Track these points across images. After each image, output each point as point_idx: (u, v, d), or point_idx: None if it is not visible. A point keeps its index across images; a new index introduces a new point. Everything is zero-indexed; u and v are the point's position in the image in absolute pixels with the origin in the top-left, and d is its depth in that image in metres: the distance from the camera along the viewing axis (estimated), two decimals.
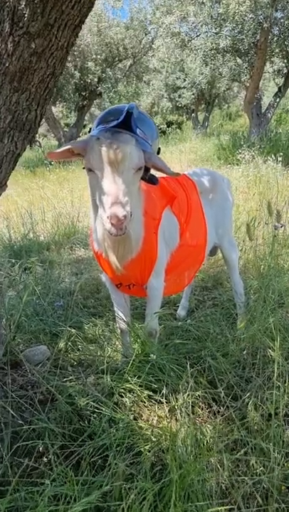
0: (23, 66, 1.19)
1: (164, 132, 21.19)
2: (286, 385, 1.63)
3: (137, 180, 1.49)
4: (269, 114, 9.16)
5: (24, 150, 1.41)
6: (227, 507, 1.21)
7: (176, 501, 1.05)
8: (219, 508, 1.13)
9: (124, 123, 1.40)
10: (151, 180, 1.60)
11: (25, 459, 1.26)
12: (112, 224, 1.36)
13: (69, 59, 11.31)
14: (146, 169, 1.53)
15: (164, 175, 1.62)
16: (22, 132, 1.33)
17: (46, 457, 1.39)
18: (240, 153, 7.24)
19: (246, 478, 1.38)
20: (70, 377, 1.75)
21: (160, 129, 21.92)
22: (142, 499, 1.09)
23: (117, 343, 2.19)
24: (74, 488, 1.09)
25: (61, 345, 2.07)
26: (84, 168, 1.49)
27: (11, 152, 1.35)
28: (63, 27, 1.16)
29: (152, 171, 1.60)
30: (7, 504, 1.15)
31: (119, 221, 1.35)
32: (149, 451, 1.41)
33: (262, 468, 1.44)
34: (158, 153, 1.63)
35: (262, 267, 3.00)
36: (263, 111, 9.32)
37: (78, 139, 1.50)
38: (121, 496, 1.14)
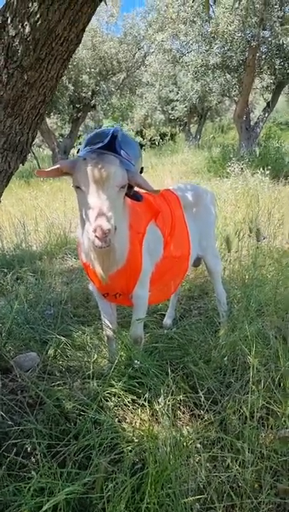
0: (17, 94, 1.31)
1: (157, 144, 21.52)
2: (261, 389, 1.73)
3: (121, 197, 1.61)
4: (258, 129, 9.41)
5: (17, 169, 1.52)
6: (201, 497, 1.30)
7: (152, 491, 1.15)
8: (192, 498, 1.22)
9: (109, 145, 1.53)
10: (136, 197, 1.72)
11: (14, 456, 1.34)
12: (96, 237, 1.47)
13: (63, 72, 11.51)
14: (130, 186, 1.65)
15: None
16: (15, 153, 1.45)
17: (34, 456, 1.47)
18: (229, 166, 7.43)
19: (221, 475, 1.47)
20: (58, 382, 1.84)
21: (154, 140, 22.25)
22: (122, 492, 1.18)
23: (104, 350, 2.29)
24: (58, 482, 1.18)
25: (50, 352, 2.17)
26: (72, 186, 1.61)
27: (5, 171, 1.46)
28: (53, 61, 1.28)
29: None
30: None
31: (104, 234, 1.47)
32: (131, 451, 1.50)
33: (237, 467, 1.53)
34: (141, 172, 1.76)
35: (246, 277, 3.12)
36: (252, 125, 9.57)
37: (66, 160, 1.62)
38: (102, 489, 1.23)
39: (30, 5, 1.18)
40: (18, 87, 1.29)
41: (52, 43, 1.24)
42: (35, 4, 1.17)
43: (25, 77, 1.28)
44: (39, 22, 1.18)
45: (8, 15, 1.22)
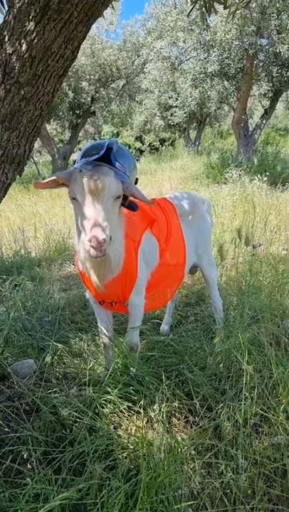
0: (14, 109, 1.35)
1: (157, 149, 21.65)
2: (254, 395, 1.75)
3: (116, 208, 1.64)
4: (256, 135, 9.48)
5: (14, 180, 1.55)
6: (194, 503, 1.32)
7: (144, 497, 1.17)
8: (185, 504, 1.24)
9: (105, 157, 1.56)
10: (131, 207, 1.75)
11: (10, 463, 1.36)
12: (92, 246, 1.50)
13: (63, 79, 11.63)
14: (125, 197, 1.68)
15: None
16: (12, 165, 1.48)
17: (30, 463, 1.49)
18: (228, 172, 7.47)
19: (214, 481, 1.49)
20: (55, 389, 1.86)
21: (153, 146, 22.38)
22: (115, 498, 1.21)
23: (101, 356, 2.31)
24: (53, 488, 1.21)
25: (47, 359, 2.19)
26: (69, 196, 1.64)
27: (2, 182, 1.50)
28: (49, 77, 1.32)
29: None
30: None
31: (99, 243, 1.50)
32: (126, 458, 1.53)
33: (230, 473, 1.55)
34: (136, 183, 1.79)
35: (243, 283, 3.15)
36: (250, 131, 9.65)
37: (63, 171, 1.66)
38: (96, 495, 1.25)
39: (26, 24, 1.22)
40: (15, 102, 1.33)
41: (48, 60, 1.28)
42: (31, 23, 1.21)
43: (22, 93, 1.31)
44: (35, 40, 1.23)
45: (5, 33, 1.27)
